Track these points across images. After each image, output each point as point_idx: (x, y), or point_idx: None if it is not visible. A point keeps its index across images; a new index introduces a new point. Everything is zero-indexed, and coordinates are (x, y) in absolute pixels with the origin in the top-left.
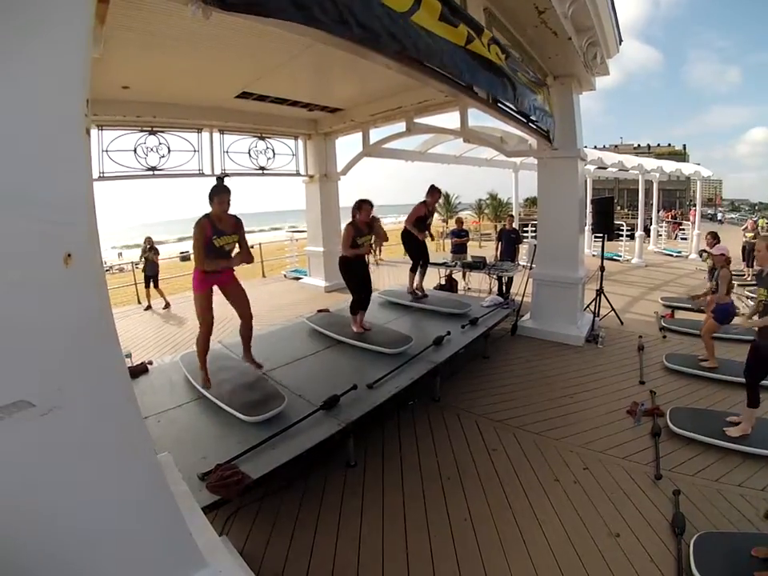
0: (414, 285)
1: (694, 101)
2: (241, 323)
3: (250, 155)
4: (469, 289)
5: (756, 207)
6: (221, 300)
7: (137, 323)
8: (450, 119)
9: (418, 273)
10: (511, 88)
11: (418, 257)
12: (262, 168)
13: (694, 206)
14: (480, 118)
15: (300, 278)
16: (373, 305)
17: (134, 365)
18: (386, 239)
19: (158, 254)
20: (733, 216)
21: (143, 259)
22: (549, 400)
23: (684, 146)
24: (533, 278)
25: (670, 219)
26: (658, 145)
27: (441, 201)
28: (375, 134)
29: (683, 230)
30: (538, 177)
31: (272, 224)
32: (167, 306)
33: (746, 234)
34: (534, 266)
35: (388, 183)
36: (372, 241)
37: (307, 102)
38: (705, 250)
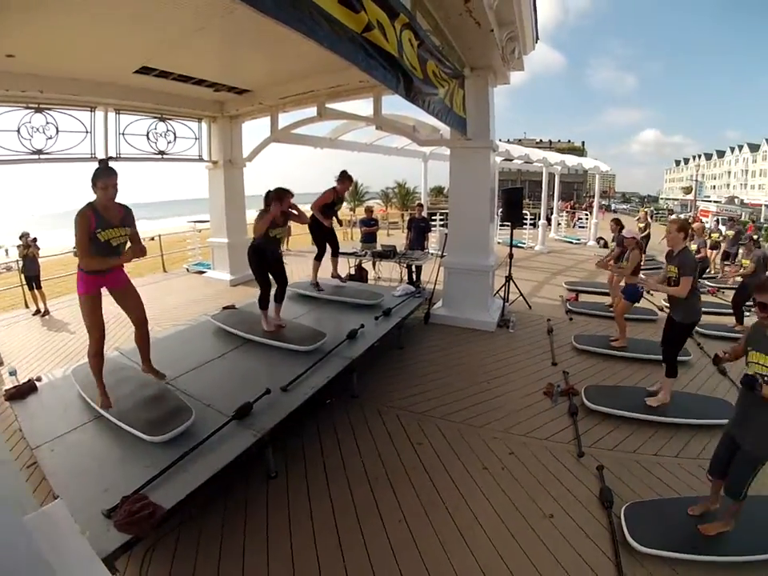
0: (330, 273)
1: (594, 102)
2: (135, 331)
3: (148, 138)
4: (379, 278)
5: (645, 199)
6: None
7: (23, 331)
8: (363, 106)
9: (330, 260)
10: (405, 82)
11: (326, 245)
12: (162, 152)
13: (591, 197)
14: (395, 106)
15: (204, 272)
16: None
17: (20, 384)
18: (307, 221)
19: (39, 250)
20: (624, 207)
21: (22, 258)
22: (468, 387)
23: (583, 142)
24: (444, 266)
25: (569, 209)
26: (559, 141)
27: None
28: (285, 119)
29: (581, 219)
30: (451, 166)
31: (173, 214)
32: (44, 312)
33: (639, 224)
34: (445, 254)
35: (299, 171)
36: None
37: (213, 81)
38: (622, 238)
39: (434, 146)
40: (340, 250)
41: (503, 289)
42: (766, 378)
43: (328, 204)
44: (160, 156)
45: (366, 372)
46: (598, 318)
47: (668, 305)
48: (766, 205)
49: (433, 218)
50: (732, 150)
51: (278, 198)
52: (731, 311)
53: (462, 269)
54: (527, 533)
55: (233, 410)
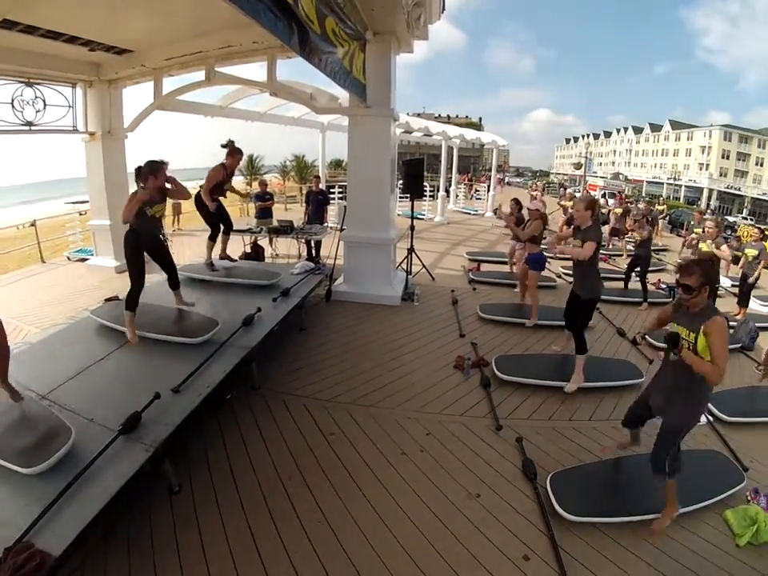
0: (219, 253)
1: (491, 82)
2: None
3: (13, 107)
4: (277, 255)
5: (537, 174)
6: None
7: None
8: (258, 72)
9: (220, 240)
10: (300, 35)
11: (218, 222)
12: (30, 123)
13: (488, 170)
14: (293, 74)
15: (86, 259)
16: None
17: None
18: (189, 196)
19: None
20: (518, 180)
21: None
22: (376, 367)
23: (480, 118)
24: (344, 240)
25: (466, 182)
26: (457, 116)
27: (243, 162)
28: (171, 84)
29: (478, 191)
30: (349, 135)
31: (52, 196)
32: None
33: (531, 193)
34: (344, 227)
35: (187, 143)
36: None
37: (88, 38)
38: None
39: (332, 116)
40: (234, 228)
41: (405, 261)
42: (688, 346)
43: (220, 182)
44: (27, 127)
45: (267, 359)
46: (500, 287)
47: (566, 272)
48: (647, 181)
49: (332, 191)
50: (618, 131)
51: (153, 172)
52: (622, 277)
53: (363, 242)
54: (455, 515)
55: (119, 422)
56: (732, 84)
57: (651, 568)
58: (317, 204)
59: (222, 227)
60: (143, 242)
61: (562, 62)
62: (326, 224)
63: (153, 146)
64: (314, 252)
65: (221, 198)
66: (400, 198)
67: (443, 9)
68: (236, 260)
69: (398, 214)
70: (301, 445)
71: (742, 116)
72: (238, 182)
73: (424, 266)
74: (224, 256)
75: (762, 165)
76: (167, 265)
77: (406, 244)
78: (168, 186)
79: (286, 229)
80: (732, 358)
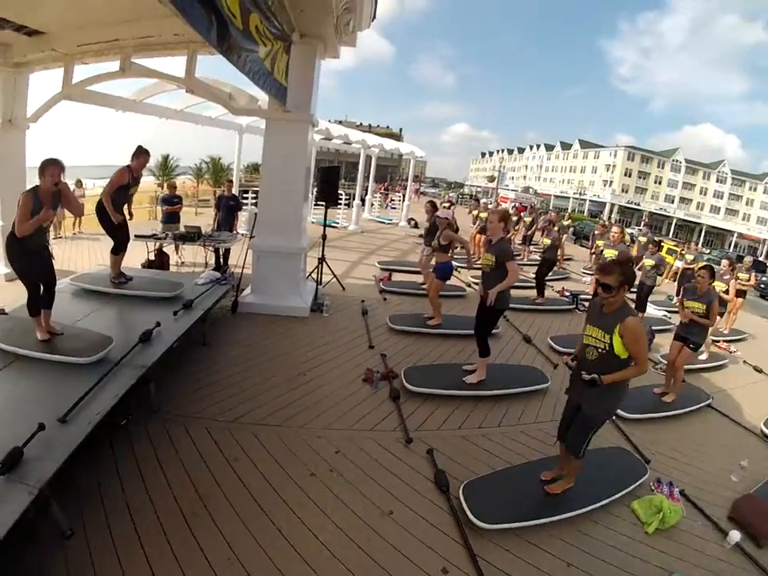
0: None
1: (415, 94)
2: None
3: None
4: (183, 263)
5: (452, 185)
6: None
7: None
8: (177, 67)
9: (115, 254)
10: (219, 28)
11: (116, 233)
12: None
13: (404, 180)
14: (215, 71)
15: None
16: (62, 296)
17: None
18: (81, 213)
19: None
20: (433, 190)
21: None
22: (283, 382)
23: (401, 129)
24: (253, 248)
25: (383, 191)
26: (378, 126)
27: (155, 162)
28: (82, 73)
29: (393, 200)
30: (265, 139)
31: None
32: None
33: (443, 205)
34: (254, 235)
35: (96, 138)
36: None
37: None
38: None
39: (251, 118)
40: (136, 234)
41: (316, 271)
42: (599, 349)
43: (122, 186)
44: None
45: (167, 379)
46: (411, 297)
47: (476, 281)
48: (554, 195)
49: (245, 195)
50: (531, 147)
51: (41, 171)
52: (533, 285)
53: (273, 251)
54: (369, 535)
55: None
56: (639, 110)
57: (567, 565)
58: (227, 210)
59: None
60: (25, 251)
61: (483, 79)
62: (235, 231)
63: (58, 140)
64: (222, 261)
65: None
66: (315, 205)
67: (374, 17)
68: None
69: (312, 222)
70: (203, 474)
71: (645, 139)
72: (149, 182)
73: (335, 275)
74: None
75: (660, 183)
76: (45, 278)
77: (318, 253)
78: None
79: (192, 235)
80: None
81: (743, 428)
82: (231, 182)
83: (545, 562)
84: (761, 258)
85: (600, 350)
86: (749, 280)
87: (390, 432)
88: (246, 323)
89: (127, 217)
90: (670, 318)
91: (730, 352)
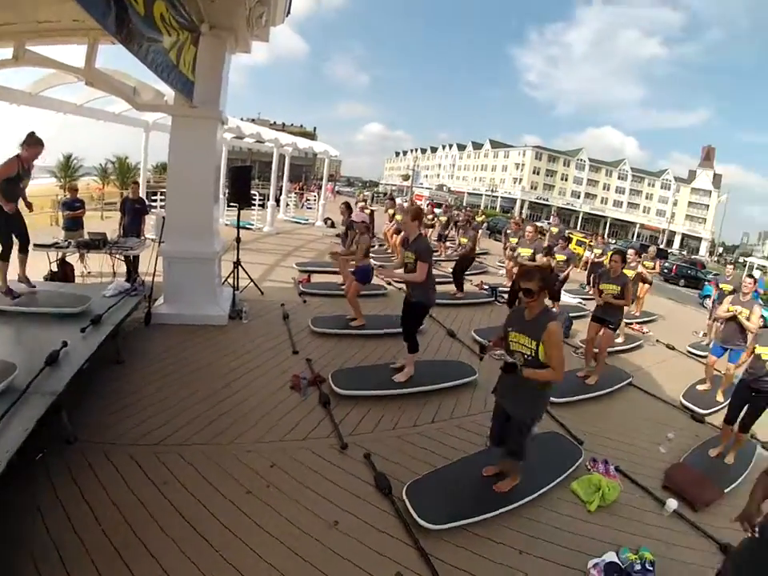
0: (16, 276)
1: (329, 93)
2: None
3: None
4: (89, 274)
5: (367, 184)
6: None
7: None
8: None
9: (17, 259)
10: (118, 12)
11: (11, 236)
12: None
13: (319, 179)
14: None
15: None
16: None
17: None
18: None
19: None
20: (348, 189)
21: None
22: (207, 397)
23: (315, 128)
24: (163, 255)
25: (297, 191)
26: (292, 124)
27: (54, 161)
28: None
29: (309, 200)
30: (171, 137)
31: None
32: None
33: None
34: (163, 240)
35: None
36: None
37: None
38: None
39: (158, 115)
40: (35, 243)
41: (232, 276)
42: (526, 356)
43: (11, 178)
44: None
45: (81, 403)
46: (331, 298)
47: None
48: (467, 192)
49: (154, 197)
50: (443, 147)
51: None
52: (451, 280)
53: (184, 257)
54: (317, 549)
55: None
56: (546, 113)
57: (519, 552)
58: (133, 213)
59: (16, 243)
60: None
61: (396, 80)
62: (143, 236)
63: None
64: (132, 269)
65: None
66: (227, 206)
67: (288, 12)
68: (34, 286)
69: (225, 224)
70: (131, 503)
71: (551, 140)
72: (50, 185)
73: (252, 279)
74: (22, 279)
75: (566, 180)
76: None
77: (233, 257)
78: None
79: (97, 243)
80: None
81: (664, 402)
82: (137, 183)
83: (497, 552)
84: (661, 246)
85: (527, 357)
86: (654, 267)
87: (324, 439)
88: (162, 335)
89: (26, 210)
90: (584, 304)
91: (643, 333)
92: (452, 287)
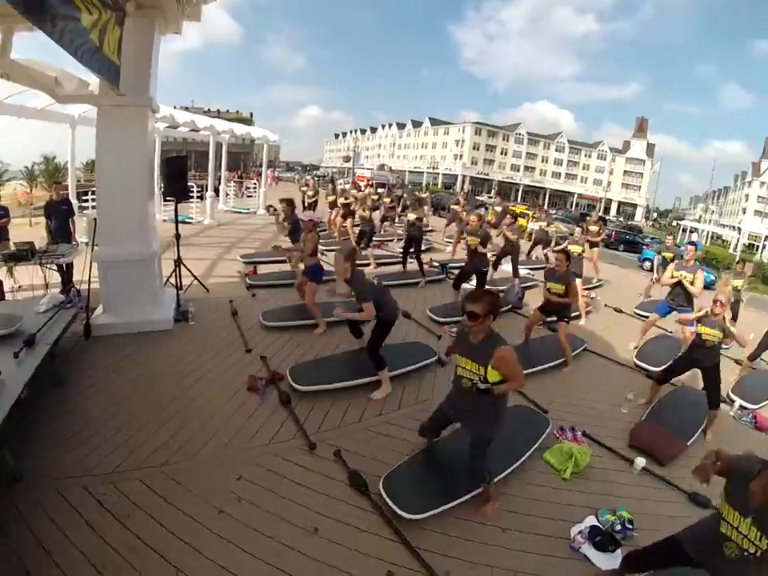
0: None
1: (265, 77)
2: None
3: None
4: (20, 288)
5: (307, 168)
6: None
7: None
8: None
9: None
10: None
11: None
12: None
13: (258, 166)
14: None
15: None
16: None
17: None
18: None
19: None
20: (288, 175)
21: None
22: (160, 411)
23: (251, 113)
24: (97, 259)
25: (236, 179)
26: (228, 111)
27: None
28: None
29: (249, 188)
30: (98, 130)
31: None
32: None
33: (308, 193)
34: (97, 244)
35: None
36: None
37: None
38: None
39: (84, 107)
40: None
41: (174, 275)
42: (474, 381)
43: None
44: None
45: (23, 437)
46: (280, 288)
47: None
48: (409, 171)
49: (85, 198)
50: (383, 127)
51: None
52: (400, 260)
53: (121, 260)
54: (301, 561)
55: None
56: (483, 89)
57: (503, 530)
58: (61, 216)
59: None
60: None
61: (333, 61)
62: (74, 241)
63: None
64: (66, 278)
65: None
66: (164, 201)
67: None
68: None
69: (163, 220)
70: (94, 542)
71: (489, 115)
72: None
73: (195, 277)
74: None
75: (506, 154)
76: None
77: (173, 254)
78: None
79: (25, 253)
80: (509, 318)
81: (619, 364)
82: (59, 183)
83: (480, 533)
84: (600, 214)
85: (475, 382)
86: (599, 232)
87: (290, 441)
88: (104, 348)
89: None
90: (533, 275)
91: (591, 298)
92: (400, 266)
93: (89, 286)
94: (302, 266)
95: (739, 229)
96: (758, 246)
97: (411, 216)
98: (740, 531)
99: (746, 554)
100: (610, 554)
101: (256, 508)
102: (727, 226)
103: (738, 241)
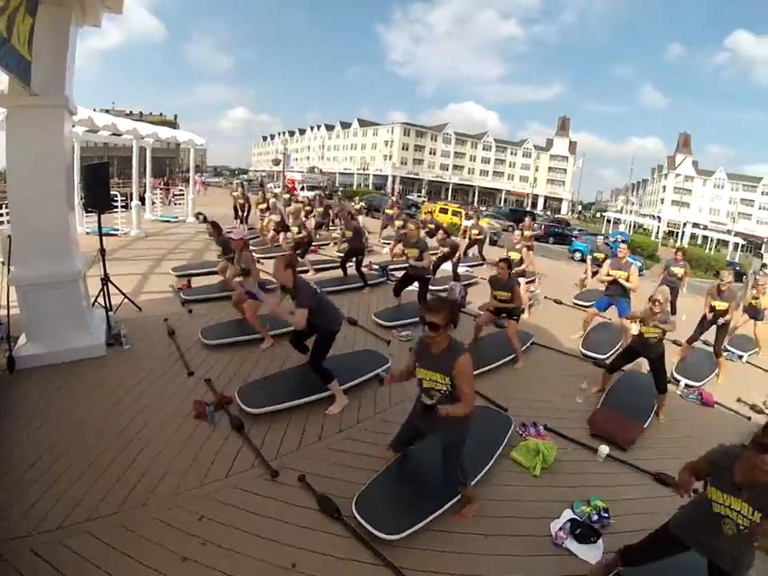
0: None
1: (189, 78)
2: None
3: None
4: None
5: (236, 172)
6: None
7: None
8: None
9: None
10: None
11: None
12: None
13: (186, 171)
14: None
15: None
16: None
17: None
18: None
19: None
20: (216, 180)
21: None
22: (102, 453)
23: (176, 116)
24: (14, 283)
25: (162, 186)
26: (151, 113)
27: None
28: None
29: (176, 195)
30: (8, 135)
31: None
32: None
33: (238, 199)
34: (12, 266)
35: None
36: None
37: None
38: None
39: None
40: None
41: (102, 294)
42: (442, 392)
43: None
44: None
45: None
46: (217, 301)
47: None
48: (339, 172)
49: None
50: (312, 128)
51: None
52: (338, 265)
53: (41, 282)
54: None
55: None
56: (411, 90)
57: (485, 536)
58: None
59: None
60: None
61: (260, 62)
62: None
63: None
64: None
65: None
66: (85, 212)
67: None
68: None
69: (86, 233)
70: None
71: (417, 115)
72: None
73: (125, 295)
74: None
75: (434, 154)
76: None
77: (99, 271)
78: None
79: None
80: None
81: (567, 355)
82: None
83: (464, 543)
84: (528, 209)
85: (443, 392)
86: (531, 237)
87: (249, 471)
88: (31, 383)
89: None
90: (471, 271)
91: (531, 291)
92: (340, 272)
93: (8, 312)
94: (237, 280)
95: (659, 218)
96: (677, 233)
97: (348, 233)
98: (733, 509)
99: (741, 527)
100: (592, 545)
101: (223, 550)
102: (648, 215)
103: (658, 229)
